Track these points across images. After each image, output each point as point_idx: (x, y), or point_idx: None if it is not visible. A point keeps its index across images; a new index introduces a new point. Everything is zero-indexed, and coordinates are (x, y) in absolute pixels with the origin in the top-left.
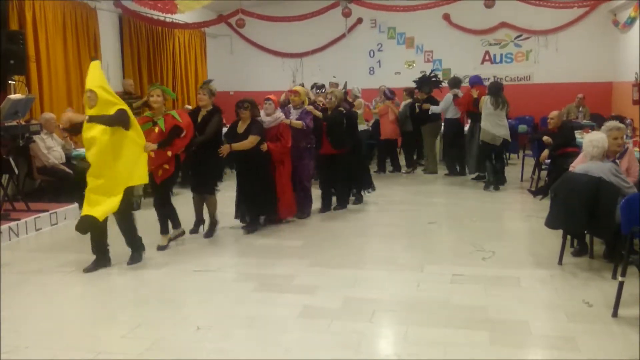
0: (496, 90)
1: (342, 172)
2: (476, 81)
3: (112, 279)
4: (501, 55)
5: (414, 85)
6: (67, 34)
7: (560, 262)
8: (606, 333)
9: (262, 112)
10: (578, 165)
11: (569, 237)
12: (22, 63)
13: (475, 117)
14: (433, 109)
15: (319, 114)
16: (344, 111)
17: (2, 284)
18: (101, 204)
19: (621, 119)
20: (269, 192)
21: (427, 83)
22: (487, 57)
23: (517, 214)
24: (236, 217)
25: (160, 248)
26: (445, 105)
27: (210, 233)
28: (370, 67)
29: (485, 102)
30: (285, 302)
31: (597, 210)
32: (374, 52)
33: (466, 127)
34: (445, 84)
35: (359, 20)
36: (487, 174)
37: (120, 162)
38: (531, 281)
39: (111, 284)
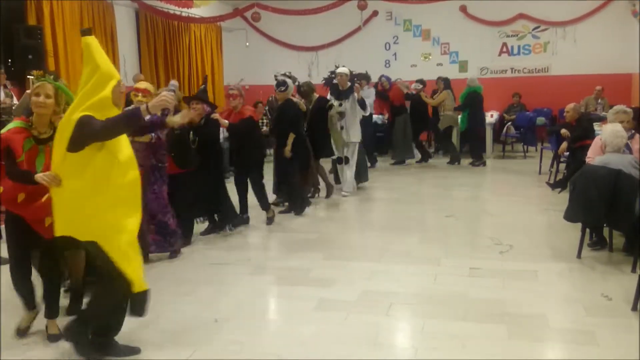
0: (449, 84)
1: (186, 194)
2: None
3: None
4: (519, 47)
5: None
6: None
7: (579, 255)
8: (625, 327)
9: None
10: (597, 157)
11: (588, 230)
12: (40, 58)
13: (402, 110)
14: None
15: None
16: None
17: None
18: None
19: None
20: None
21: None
22: (504, 49)
23: (536, 207)
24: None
25: (20, 333)
26: (372, 99)
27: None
28: (386, 60)
29: (448, 94)
30: (302, 295)
31: (617, 203)
32: (389, 45)
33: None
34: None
35: (375, 13)
36: (460, 152)
37: None
38: (549, 275)
39: None
